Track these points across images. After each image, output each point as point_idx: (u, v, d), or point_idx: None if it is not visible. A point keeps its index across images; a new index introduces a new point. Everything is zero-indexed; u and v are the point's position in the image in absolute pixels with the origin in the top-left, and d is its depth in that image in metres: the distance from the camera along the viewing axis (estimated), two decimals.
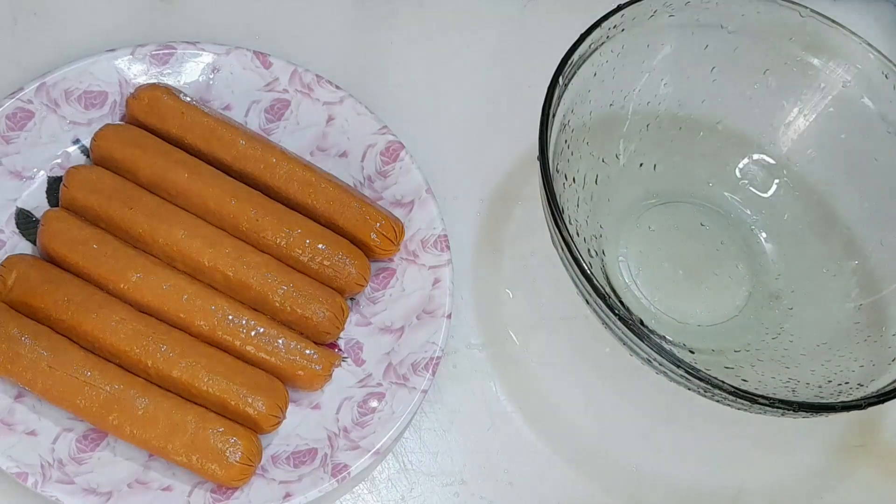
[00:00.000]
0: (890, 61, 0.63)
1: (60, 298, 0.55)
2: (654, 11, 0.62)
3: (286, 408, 0.56)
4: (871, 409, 0.54)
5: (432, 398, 0.61)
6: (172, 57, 0.65)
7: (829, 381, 0.58)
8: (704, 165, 0.68)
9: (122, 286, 0.56)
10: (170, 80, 0.64)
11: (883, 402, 0.54)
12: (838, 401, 0.55)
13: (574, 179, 0.62)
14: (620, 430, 0.63)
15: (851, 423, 0.64)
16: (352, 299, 0.62)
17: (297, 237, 0.59)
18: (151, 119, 0.62)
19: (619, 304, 0.62)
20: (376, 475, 0.59)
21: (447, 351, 0.61)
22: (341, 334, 0.60)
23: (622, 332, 0.54)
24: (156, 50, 0.64)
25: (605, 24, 0.60)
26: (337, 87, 0.66)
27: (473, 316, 0.64)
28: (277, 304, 0.58)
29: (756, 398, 0.52)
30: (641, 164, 0.67)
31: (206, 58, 0.65)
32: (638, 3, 0.61)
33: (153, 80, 0.64)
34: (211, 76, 0.65)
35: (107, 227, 0.59)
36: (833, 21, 0.63)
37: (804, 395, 0.57)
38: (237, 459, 0.53)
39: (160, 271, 0.57)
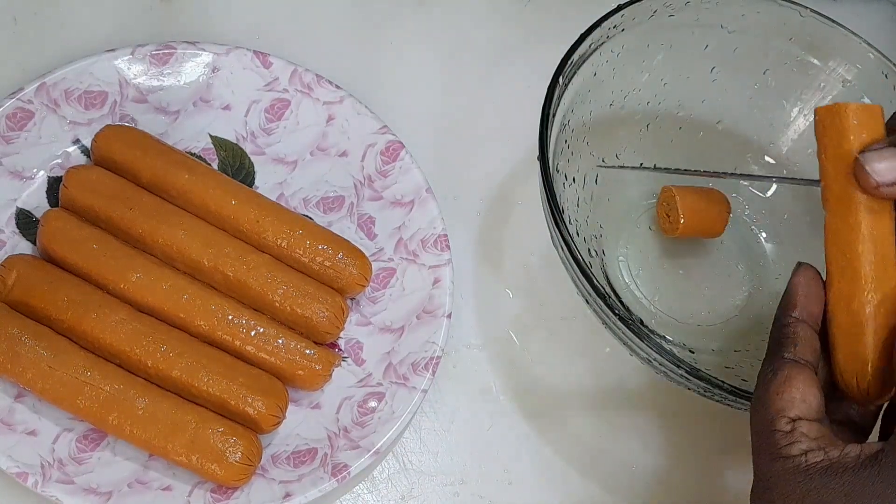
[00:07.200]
0: (890, 61, 0.62)
1: (60, 298, 0.55)
2: (654, 11, 0.62)
3: (286, 408, 0.56)
4: None
5: (432, 398, 0.61)
6: (172, 57, 0.65)
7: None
8: (704, 165, 0.68)
9: (121, 286, 0.56)
10: (169, 80, 0.64)
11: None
12: None
13: (574, 179, 0.62)
14: (620, 430, 0.63)
15: None
16: (352, 299, 0.62)
17: (298, 238, 0.59)
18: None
19: (619, 303, 0.62)
20: (376, 475, 0.59)
21: (447, 351, 0.61)
22: (341, 334, 0.60)
23: (622, 332, 0.54)
24: (155, 50, 0.64)
25: (605, 24, 0.60)
26: (337, 86, 0.66)
27: (473, 316, 0.64)
28: (277, 304, 0.58)
29: None
30: (641, 164, 0.67)
31: (206, 57, 0.65)
32: (638, 3, 0.61)
33: (153, 80, 0.64)
34: (211, 76, 0.65)
35: (107, 227, 0.59)
36: (833, 21, 0.63)
37: None
38: (237, 459, 0.53)
39: (160, 271, 0.57)
